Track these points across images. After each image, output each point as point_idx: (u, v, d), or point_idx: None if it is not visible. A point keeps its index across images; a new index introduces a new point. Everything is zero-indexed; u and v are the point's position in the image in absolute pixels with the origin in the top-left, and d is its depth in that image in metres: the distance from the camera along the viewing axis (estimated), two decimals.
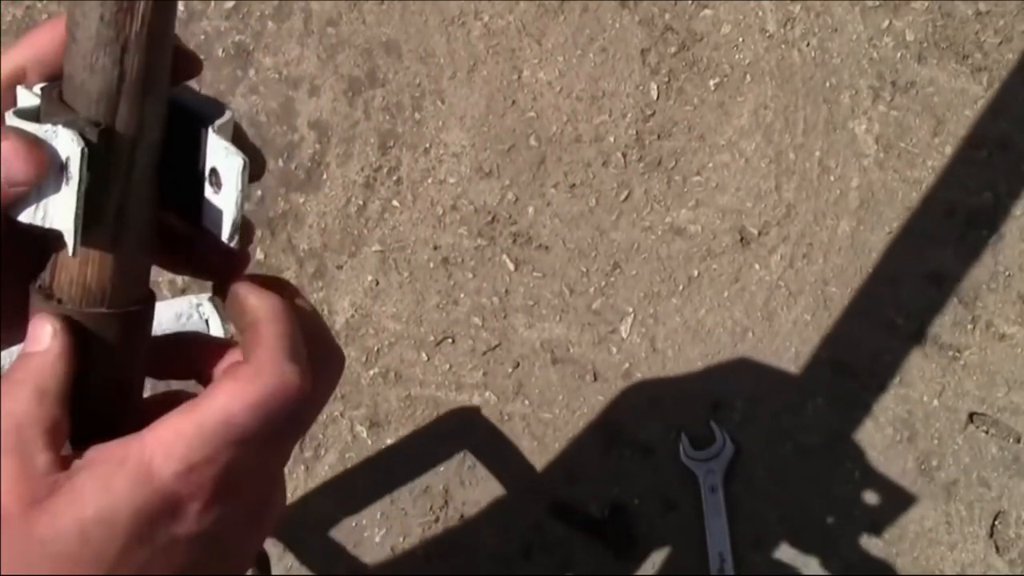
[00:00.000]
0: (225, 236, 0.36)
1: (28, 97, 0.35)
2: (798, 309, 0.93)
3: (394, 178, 0.96)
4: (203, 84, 0.99)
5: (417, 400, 0.92)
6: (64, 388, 0.35)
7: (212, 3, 1.00)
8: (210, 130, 0.36)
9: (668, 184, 0.96)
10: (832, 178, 0.95)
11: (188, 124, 0.37)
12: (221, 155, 0.36)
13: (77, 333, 0.36)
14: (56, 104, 0.35)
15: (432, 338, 0.94)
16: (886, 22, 0.98)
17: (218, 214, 0.36)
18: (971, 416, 0.91)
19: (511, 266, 0.95)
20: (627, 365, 0.93)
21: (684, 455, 0.90)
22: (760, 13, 0.99)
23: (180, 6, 1.01)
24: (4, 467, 0.33)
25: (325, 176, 0.96)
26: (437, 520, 0.91)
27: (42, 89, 0.35)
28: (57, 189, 0.34)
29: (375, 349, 0.93)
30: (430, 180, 0.96)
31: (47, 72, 0.36)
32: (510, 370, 0.93)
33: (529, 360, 0.93)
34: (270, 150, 0.98)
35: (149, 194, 0.37)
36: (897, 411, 0.91)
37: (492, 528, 0.90)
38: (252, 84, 0.99)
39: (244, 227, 0.37)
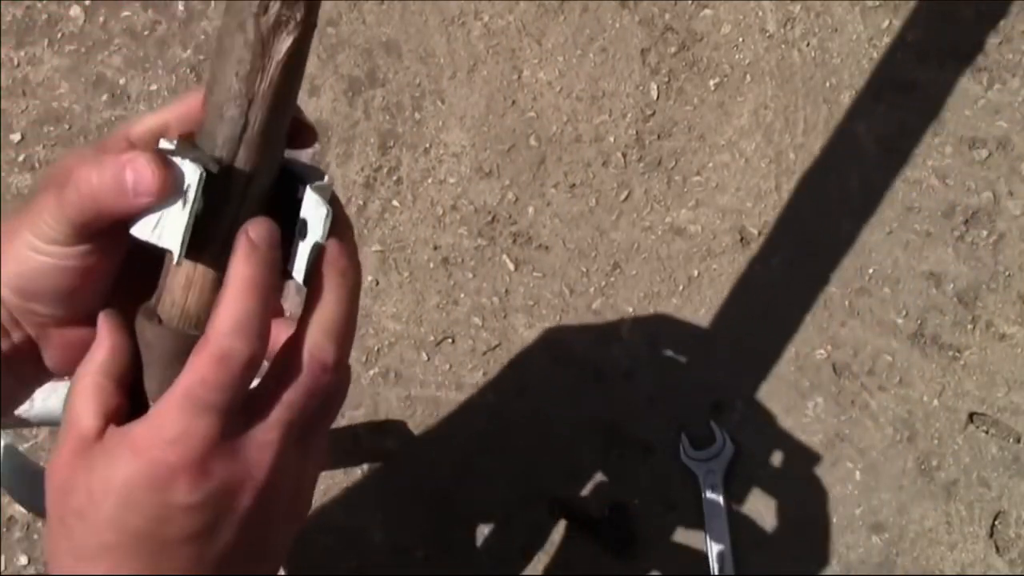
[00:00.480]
0: (300, 279, 0.41)
1: (166, 145, 0.41)
2: (798, 309, 0.93)
3: (394, 178, 0.96)
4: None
5: (417, 400, 0.93)
6: (117, 377, 0.41)
7: (212, 3, 1.00)
8: (308, 186, 0.41)
9: (668, 184, 0.96)
10: (832, 178, 0.95)
11: (292, 187, 0.42)
12: (312, 207, 0.41)
13: (171, 344, 0.41)
14: (187, 146, 0.40)
15: (432, 338, 0.94)
16: (886, 22, 0.98)
17: (299, 260, 0.41)
18: (971, 416, 0.91)
19: (511, 266, 0.95)
20: (627, 365, 0.93)
21: (684, 455, 0.90)
22: (760, 13, 0.99)
23: (180, 6, 1.01)
24: (63, 428, 0.40)
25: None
26: (437, 519, 0.91)
27: (178, 138, 0.41)
28: (174, 210, 0.40)
29: (375, 349, 0.93)
30: (430, 180, 0.96)
31: (188, 131, 0.42)
32: (510, 370, 0.93)
33: (529, 360, 0.93)
34: None
35: None
36: (897, 411, 0.91)
37: (492, 528, 0.90)
38: None
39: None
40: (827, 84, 0.97)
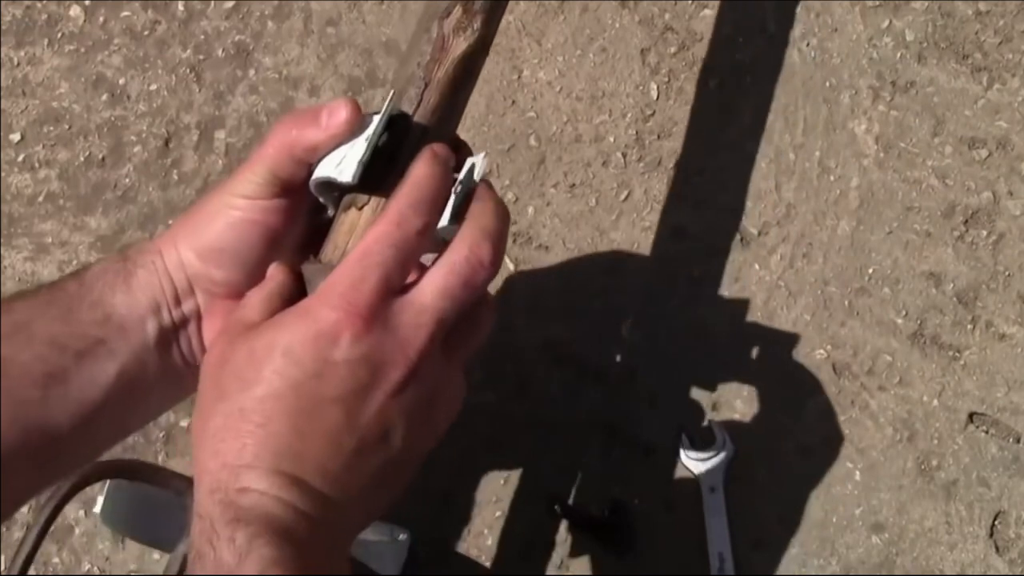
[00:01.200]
0: (447, 220, 0.45)
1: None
2: (798, 309, 0.93)
3: None
4: (203, 84, 0.99)
5: None
6: (285, 302, 0.44)
7: (212, 3, 1.00)
8: (469, 157, 0.48)
9: (668, 184, 0.96)
10: (832, 178, 0.95)
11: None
12: (467, 164, 0.47)
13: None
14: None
15: None
16: (886, 22, 0.98)
17: (450, 204, 0.46)
18: (971, 416, 0.91)
19: (511, 266, 0.95)
20: (627, 365, 0.93)
21: (684, 455, 0.90)
22: (760, 13, 0.99)
23: (180, 6, 1.01)
24: (228, 321, 0.45)
25: None
26: (437, 519, 0.91)
27: None
28: (355, 146, 0.45)
29: None
30: None
31: None
32: (510, 370, 0.93)
33: (530, 360, 0.93)
34: None
35: None
36: (897, 411, 0.91)
37: (492, 528, 0.90)
38: (252, 84, 0.99)
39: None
40: (827, 84, 0.97)
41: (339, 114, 0.45)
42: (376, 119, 0.46)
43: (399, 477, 0.44)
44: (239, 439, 0.40)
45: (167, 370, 0.49)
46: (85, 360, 0.45)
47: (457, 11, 0.49)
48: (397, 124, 0.48)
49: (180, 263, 0.48)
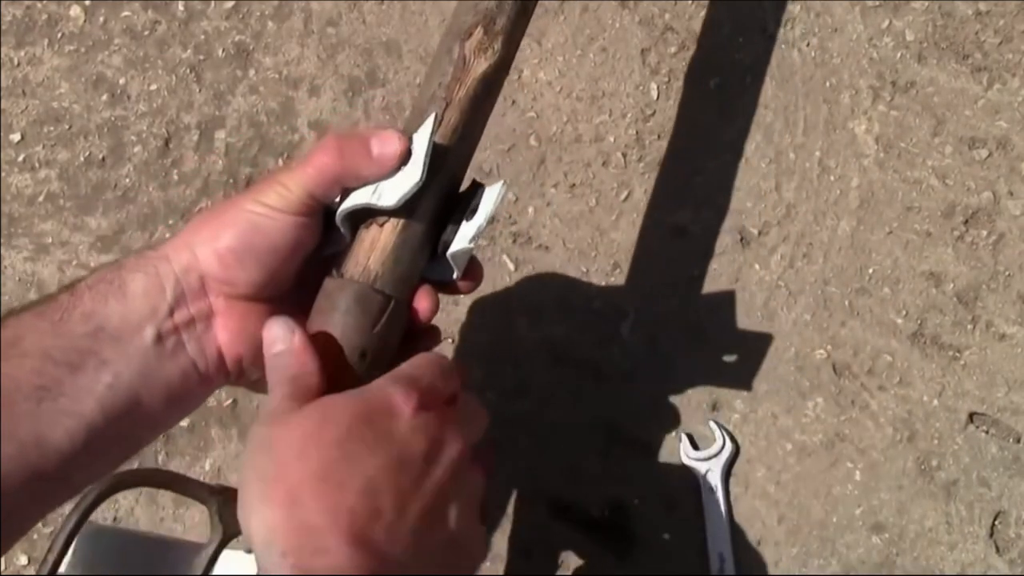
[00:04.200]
0: (463, 245, 0.50)
1: None
2: (798, 309, 0.93)
3: None
4: (203, 84, 0.99)
5: None
6: (314, 371, 0.46)
7: (212, 3, 1.00)
8: (486, 185, 0.52)
9: (668, 184, 0.96)
10: (832, 178, 0.95)
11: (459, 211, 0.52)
12: (483, 195, 0.51)
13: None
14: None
15: None
16: (886, 22, 0.98)
17: (460, 235, 0.50)
18: (971, 416, 0.91)
19: (511, 266, 0.95)
20: (627, 365, 0.93)
21: (684, 455, 0.90)
22: (760, 13, 0.99)
23: (180, 6, 1.01)
24: (265, 409, 0.46)
25: None
26: None
27: None
28: (396, 178, 0.47)
29: None
30: None
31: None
32: (510, 370, 0.93)
33: (529, 360, 0.93)
34: (270, 150, 0.98)
35: (433, 219, 0.50)
36: (897, 411, 0.91)
37: (492, 528, 0.90)
38: (252, 84, 0.99)
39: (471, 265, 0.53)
40: (827, 84, 0.97)
41: (391, 149, 0.47)
42: (416, 152, 0.48)
43: (456, 562, 0.45)
44: (318, 501, 0.40)
45: (174, 375, 0.48)
46: (78, 372, 0.45)
47: (479, 32, 0.50)
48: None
49: (192, 265, 0.48)
